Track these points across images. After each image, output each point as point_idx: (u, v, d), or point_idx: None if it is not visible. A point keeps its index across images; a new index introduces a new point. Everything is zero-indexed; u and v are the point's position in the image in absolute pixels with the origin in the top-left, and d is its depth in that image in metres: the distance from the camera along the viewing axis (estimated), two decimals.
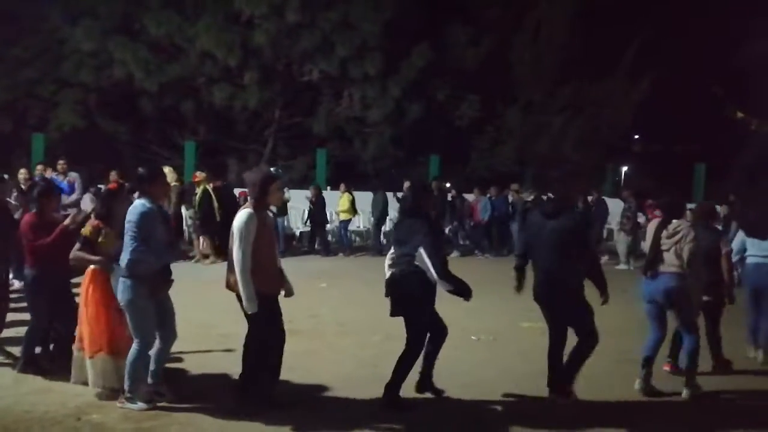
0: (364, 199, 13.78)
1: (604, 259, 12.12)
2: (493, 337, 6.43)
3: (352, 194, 13.34)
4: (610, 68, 20.46)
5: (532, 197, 12.91)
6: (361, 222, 14.60)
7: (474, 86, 19.35)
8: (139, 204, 4.20)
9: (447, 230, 13.37)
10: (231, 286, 4.25)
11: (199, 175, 11.50)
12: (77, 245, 4.47)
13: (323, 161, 16.58)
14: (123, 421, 4.11)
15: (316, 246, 13.28)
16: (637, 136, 28.65)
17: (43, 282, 4.72)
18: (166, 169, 11.02)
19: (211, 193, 11.09)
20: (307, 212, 13.46)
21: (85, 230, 4.50)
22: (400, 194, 13.31)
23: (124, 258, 4.13)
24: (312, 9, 16.06)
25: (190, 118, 17.89)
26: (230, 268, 4.22)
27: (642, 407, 4.69)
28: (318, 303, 7.78)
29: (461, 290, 4.35)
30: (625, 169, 31.51)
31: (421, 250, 4.24)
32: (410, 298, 4.37)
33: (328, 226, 13.84)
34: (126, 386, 4.23)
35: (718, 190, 14.54)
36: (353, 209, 13.37)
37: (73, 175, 10.41)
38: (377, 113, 17.84)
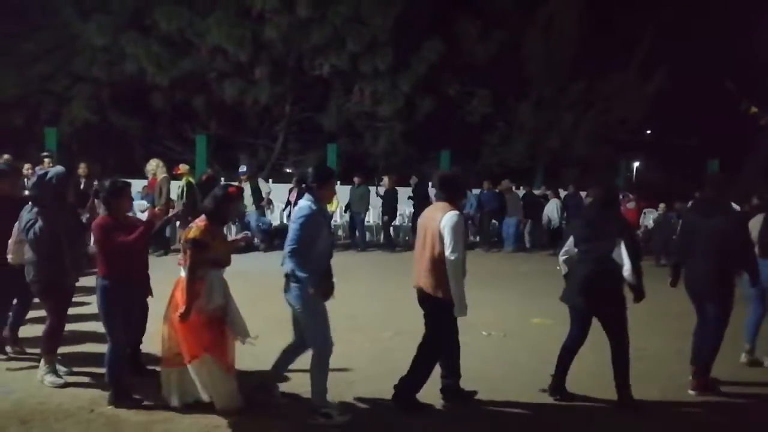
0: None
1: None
2: (504, 333, 6.41)
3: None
4: (621, 63, 20.32)
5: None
6: (372, 217, 14.58)
7: (485, 81, 19.25)
8: (306, 205, 4.02)
9: None
10: (423, 286, 4.22)
11: (182, 167, 11.24)
12: (190, 251, 3.99)
13: (334, 156, 16.57)
14: (136, 413, 4.15)
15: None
16: (649, 131, 28.39)
17: (117, 293, 4.25)
18: (154, 162, 11.11)
19: (194, 185, 10.93)
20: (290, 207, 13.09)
21: (194, 233, 4.04)
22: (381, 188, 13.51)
23: (288, 264, 4.01)
24: (323, 3, 16.04)
25: (201, 112, 17.95)
26: (428, 270, 4.17)
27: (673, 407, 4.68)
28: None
29: (641, 289, 4.47)
30: (636, 164, 31.29)
31: (623, 246, 4.36)
32: (613, 294, 4.42)
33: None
34: (316, 400, 4.11)
35: (733, 186, 14.37)
36: (336, 203, 12.87)
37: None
38: (388, 108, 17.81)
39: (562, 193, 14.62)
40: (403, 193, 13.94)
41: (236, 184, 12.18)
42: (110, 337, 4.26)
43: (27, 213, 4.50)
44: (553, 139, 20.48)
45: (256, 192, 12.17)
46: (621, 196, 13.03)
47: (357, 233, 13.18)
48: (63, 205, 4.56)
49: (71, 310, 4.87)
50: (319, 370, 4.09)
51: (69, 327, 4.97)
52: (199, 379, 4.06)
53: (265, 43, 16.34)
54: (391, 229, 13.71)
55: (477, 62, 19.22)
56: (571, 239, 4.67)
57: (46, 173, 4.65)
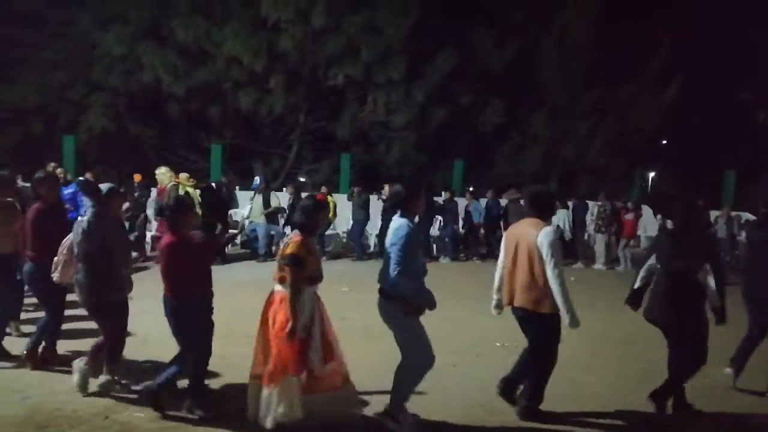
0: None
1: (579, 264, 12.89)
2: (517, 344, 6.35)
3: (333, 199, 12.67)
4: (636, 72, 20.21)
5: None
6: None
7: (499, 90, 19.22)
8: (404, 224, 4.02)
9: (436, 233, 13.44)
10: (523, 304, 4.26)
11: (181, 176, 11.09)
12: (289, 268, 3.89)
13: (347, 166, 16.62)
14: (150, 420, 4.16)
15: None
16: (664, 141, 28.16)
17: (191, 312, 4.21)
18: (163, 169, 11.14)
19: (192, 194, 10.63)
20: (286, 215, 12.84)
21: (292, 249, 3.92)
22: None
23: (388, 281, 4.00)
24: (337, 14, 16.15)
25: (216, 121, 18.10)
26: (527, 287, 4.22)
27: None
28: (341, 307, 7.76)
29: (724, 312, 4.54)
30: (652, 174, 31.02)
31: (709, 268, 4.46)
32: (694, 313, 4.43)
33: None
34: (394, 408, 4.13)
35: (749, 197, 14.24)
36: (334, 214, 12.64)
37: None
38: (401, 118, 17.84)
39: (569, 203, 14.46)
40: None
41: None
42: (190, 351, 4.24)
43: (78, 229, 4.40)
44: (567, 148, 20.37)
45: (268, 204, 12.12)
46: (619, 207, 13.37)
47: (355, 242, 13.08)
48: (112, 221, 4.54)
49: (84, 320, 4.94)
50: (411, 382, 4.14)
51: (83, 335, 5.03)
52: (287, 396, 3.90)
53: (280, 53, 16.47)
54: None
55: (491, 71, 19.20)
56: (653, 255, 4.71)
57: (96, 185, 4.64)
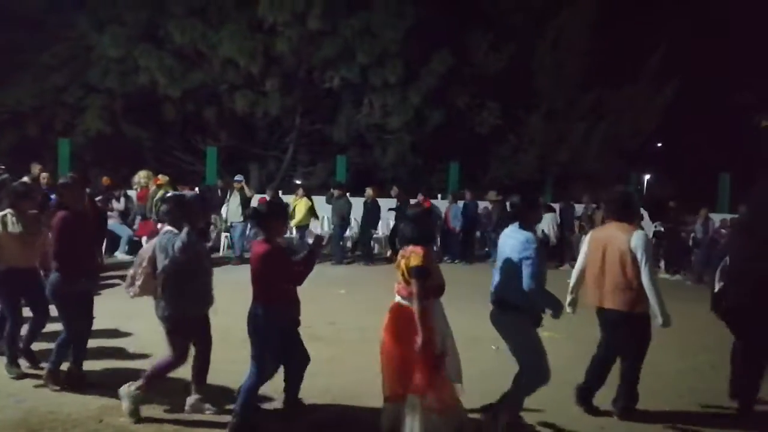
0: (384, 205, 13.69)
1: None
2: (497, 346, 6.36)
3: (311, 199, 12.79)
4: (632, 75, 20.27)
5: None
6: (380, 229, 14.53)
7: (495, 93, 19.26)
8: (530, 236, 4.02)
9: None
10: (616, 306, 4.36)
11: (161, 178, 10.89)
12: (415, 280, 3.77)
13: (343, 168, 16.63)
14: (145, 425, 4.16)
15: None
16: (660, 144, 28.27)
17: (278, 323, 4.08)
18: (143, 173, 11.10)
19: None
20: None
21: (416, 260, 3.79)
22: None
23: (515, 293, 3.98)
24: (334, 16, 16.17)
25: (212, 124, 18.10)
26: (621, 289, 4.32)
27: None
28: (337, 309, 7.79)
29: None
30: (647, 177, 31.12)
31: None
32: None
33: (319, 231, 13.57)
34: (499, 405, 4.17)
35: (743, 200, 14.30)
36: (311, 215, 12.64)
37: None
38: (397, 120, 17.87)
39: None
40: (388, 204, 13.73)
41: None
42: (260, 367, 4.08)
43: (164, 236, 4.18)
44: (562, 151, 20.41)
45: (246, 203, 11.73)
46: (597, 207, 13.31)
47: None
48: (197, 232, 4.26)
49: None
50: (525, 392, 4.17)
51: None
52: (415, 414, 3.76)
53: (276, 55, 16.49)
54: (372, 241, 13.47)
55: (487, 74, 19.24)
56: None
57: (182, 196, 4.44)
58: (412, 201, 13.27)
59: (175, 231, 4.14)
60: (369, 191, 13.11)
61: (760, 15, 20.77)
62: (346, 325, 7.09)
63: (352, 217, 13.11)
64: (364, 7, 16.48)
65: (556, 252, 12.75)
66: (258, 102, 16.86)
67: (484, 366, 5.55)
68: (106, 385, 4.67)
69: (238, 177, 12.26)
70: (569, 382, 4.70)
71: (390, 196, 14.04)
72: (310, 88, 17.77)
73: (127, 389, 4.22)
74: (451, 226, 13.53)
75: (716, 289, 4.87)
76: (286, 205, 4.34)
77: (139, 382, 4.22)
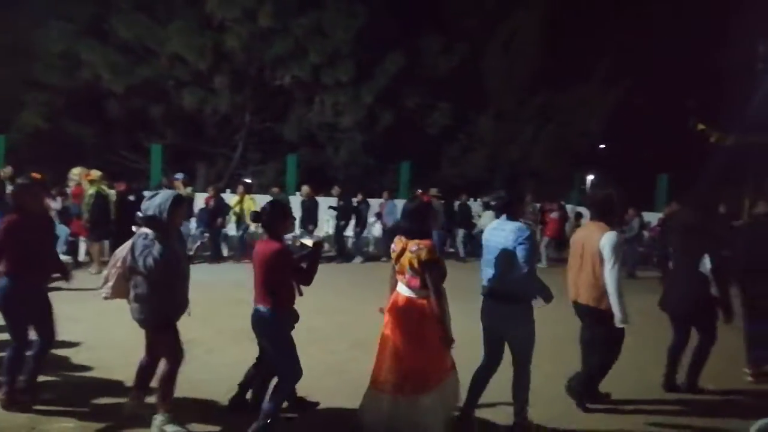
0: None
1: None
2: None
3: (252, 198, 12.60)
4: (579, 78, 20.87)
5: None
6: (330, 227, 14.48)
7: (446, 94, 19.50)
8: (522, 226, 4.10)
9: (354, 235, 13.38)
10: (585, 301, 4.58)
11: (93, 173, 10.32)
12: (430, 273, 3.87)
13: (294, 167, 16.50)
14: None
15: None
16: (602, 146, 29.21)
17: (287, 324, 4.06)
18: (77, 170, 10.75)
19: (107, 195, 10.26)
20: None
21: (427, 255, 3.87)
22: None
23: (511, 284, 4.04)
24: (285, 14, 16.04)
25: (158, 121, 17.66)
26: (589, 285, 4.52)
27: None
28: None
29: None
30: (591, 177, 32.07)
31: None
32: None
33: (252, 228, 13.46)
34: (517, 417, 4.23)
35: (682, 200, 14.96)
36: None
37: None
38: (349, 119, 17.87)
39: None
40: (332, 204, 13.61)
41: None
42: (290, 370, 4.01)
43: (140, 240, 3.92)
44: (511, 151, 20.86)
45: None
46: (545, 207, 13.95)
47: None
48: (174, 231, 4.11)
49: None
50: (528, 385, 4.23)
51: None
52: (432, 406, 3.90)
53: (225, 52, 16.23)
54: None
55: (438, 75, 19.48)
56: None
57: (156, 194, 4.14)
58: (354, 199, 13.28)
59: (150, 235, 3.90)
60: (306, 189, 12.84)
61: (699, 21, 21.69)
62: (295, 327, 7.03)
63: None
64: (315, 6, 16.41)
65: None
66: (206, 99, 16.58)
67: None
68: (53, 401, 4.48)
69: (177, 175, 11.89)
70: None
71: (378, 196, 14.09)
72: (261, 86, 17.58)
73: (155, 424, 4.00)
74: (384, 221, 13.63)
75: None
76: (288, 205, 4.22)
77: (158, 404, 4.03)
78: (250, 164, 19.51)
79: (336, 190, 13.59)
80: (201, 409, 4.50)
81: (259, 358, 4.42)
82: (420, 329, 3.90)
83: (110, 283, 4.02)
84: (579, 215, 15.10)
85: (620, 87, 20.89)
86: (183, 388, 4.32)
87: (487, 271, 4.21)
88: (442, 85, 19.47)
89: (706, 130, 16.18)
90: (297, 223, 13.36)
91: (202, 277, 10.02)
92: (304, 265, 4.06)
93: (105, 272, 4.10)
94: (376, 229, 14.67)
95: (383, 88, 17.98)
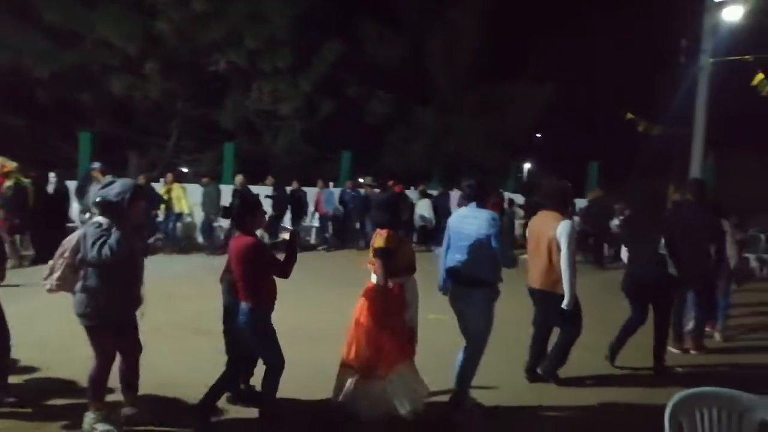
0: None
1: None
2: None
3: (183, 187, 12.33)
4: (516, 71, 21.32)
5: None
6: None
7: (386, 84, 19.54)
8: (492, 215, 4.26)
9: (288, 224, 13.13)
10: (541, 286, 4.83)
11: (8, 165, 9.78)
12: (378, 260, 4.01)
13: (231, 155, 16.10)
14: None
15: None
16: (539, 135, 30.07)
17: (268, 319, 3.97)
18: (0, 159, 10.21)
19: (25, 187, 9.76)
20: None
21: (379, 242, 4.03)
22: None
23: (493, 270, 4.22)
24: None
25: (87, 108, 16.83)
26: (545, 272, 4.75)
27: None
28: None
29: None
30: (527, 166, 33.01)
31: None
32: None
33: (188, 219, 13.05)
34: (460, 396, 4.39)
35: (612, 187, 15.57)
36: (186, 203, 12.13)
37: None
38: (288, 107, 17.60)
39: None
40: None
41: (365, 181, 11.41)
42: (277, 360, 3.94)
43: (93, 229, 3.66)
44: (450, 141, 21.12)
45: None
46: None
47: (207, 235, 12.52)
48: (130, 224, 3.80)
49: None
50: (475, 369, 4.43)
51: None
52: (396, 389, 4.06)
53: (156, 36, 15.60)
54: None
55: (378, 65, 19.45)
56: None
57: (112, 183, 3.86)
58: (288, 188, 13.08)
59: (103, 224, 3.68)
60: (239, 178, 12.43)
61: (631, 14, 22.52)
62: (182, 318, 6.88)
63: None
64: None
65: (435, 235, 13.16)
66: (137, 85, 15.90)
67: None
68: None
69: (95, 164, 11.31)
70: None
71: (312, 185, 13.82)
72: (195, 72, 17.02)
73: (86, 421, 3.84)
74: (323, 210, 13.54)
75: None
76: (258, 198, 4.17)
77: (89, 402, 3.86)
78: (186, 153, 18.93)
79: (270, 179, 13.32)
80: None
81: (229, 355, 4.27)
82: (381, 311, 4.05)
83: (56, 275, 3.77)
84: (511, 202, 15.46)
85: (553, 79, 21.46)
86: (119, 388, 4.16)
87: (456, 257, 4.32)
88: (383, 74, 19.47)
89: (634, 119, 16.84)
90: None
91: None
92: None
93: (50, 263, 3.85)
94: (315, 219, 14.56)
95: (322, 76, 17.78)
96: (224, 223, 12.46)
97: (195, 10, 15.34)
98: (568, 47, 22.30)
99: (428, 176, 20.68)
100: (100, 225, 3.67)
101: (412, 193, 15.46)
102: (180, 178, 12.56)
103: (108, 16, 14.68)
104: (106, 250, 3.55)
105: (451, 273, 4.38)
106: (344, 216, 13.86)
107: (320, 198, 13.60)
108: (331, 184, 14.84)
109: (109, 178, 10.91)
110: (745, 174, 22.39)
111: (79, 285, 3.73)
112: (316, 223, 14.52)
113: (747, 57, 14.36)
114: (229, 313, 4.12)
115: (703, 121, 14.29)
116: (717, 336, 6.89)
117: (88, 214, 10.87)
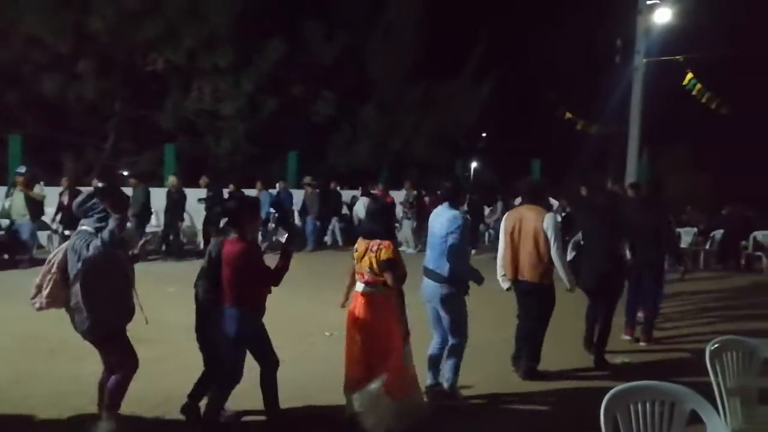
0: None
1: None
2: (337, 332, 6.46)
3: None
4: (456, 69, 21.57)
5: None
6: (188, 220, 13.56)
7: (330, 82, 19.41)
8: (458, 214, 4.44)
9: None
10: (529, 278, 4.95)
11: None
12: (389, 273, 3.90)
13: (172, 157, 15.63)
14: None
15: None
16: (484, 134, 30.60)
17: (259, 322, 3.92)
18: None
19: None
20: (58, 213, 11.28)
21: (387, 254, 3.94)
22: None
23: (447, 266, 4.34)
24: None
25: (15, 109, 16.01)
26: (534, 264, 4.89)
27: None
28: (165, 308, 7.32)
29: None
30: (474, 165, 33.50)
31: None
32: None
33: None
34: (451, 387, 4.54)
35: (554, 184, 15.97)
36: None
37: None
38: (230, 107, 17.27)
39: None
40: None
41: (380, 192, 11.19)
42: (273, 360, 3.91)
43: (78, 240, 3.53)
44: (395, 141, 21.17)
45: (29, 199, 10.28)
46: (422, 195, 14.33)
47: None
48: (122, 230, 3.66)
49: None
50: (460, 359, 4.55)
51: None
52: (388, 401, 3.91)
53: (89, 34, 14.99)
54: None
55: (321, 63, 19.30)
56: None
57: (103, 189, 3.70)
58: (225, 190, 12.68)
59: (91, 230, 3.54)
60: (172, 179, 12.01)
61: (570, 14, 23.16)
62: (173, 324, 6.67)
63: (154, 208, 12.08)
64: None
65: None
66: (70, 85, 15.25)
67: (318, 352, 5.54)
68: None
69: (20, 169, 10.71)
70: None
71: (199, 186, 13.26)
72: (132, 71, 16.46)
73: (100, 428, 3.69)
74: (264, 211, 13.32)
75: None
76: (257, 201, 4.05)
77: (104, 413, 3.68)
78: (124, 155, 18.27)
79: (204, 180, 12.90)
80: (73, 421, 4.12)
81: (207, 363, 4.13)
82: (380, 326, 3.99)
83: (45, 292, 3.58)
84: None
85: (491, 78, 21.82)
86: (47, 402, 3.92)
87: (428, 254, 4.58)
88: (325, 73, 19.34)
89: (573, 118, 17.37)
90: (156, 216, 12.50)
91: None
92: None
93: (37, 280, 3.64)
94: None
95: (265, 75, 17.52)
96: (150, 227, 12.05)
97: (129, 7, 14.81)
98: (506, 44, 22.76)
99: (375, 176, 20.69)
100: (83, 231, 3.58)
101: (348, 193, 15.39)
102: (117, 181, 12.00)
103: (35, 11, 13.99)
104: (92, 250, 3.46)
105: (423, 270, 4.57)
106: (279, 217, 13.57)
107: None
108: (280, 184, 14.50)
109: (40, 187, 10.41)
110: (677, 170, 23.42)
111: (73, 301, 3.56)
112: None
113: (678, 57, 15.01)
114: (206, 317, 3.99)
115: (638, 119, 14.80)
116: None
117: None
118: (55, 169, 15.90)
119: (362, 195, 14.28)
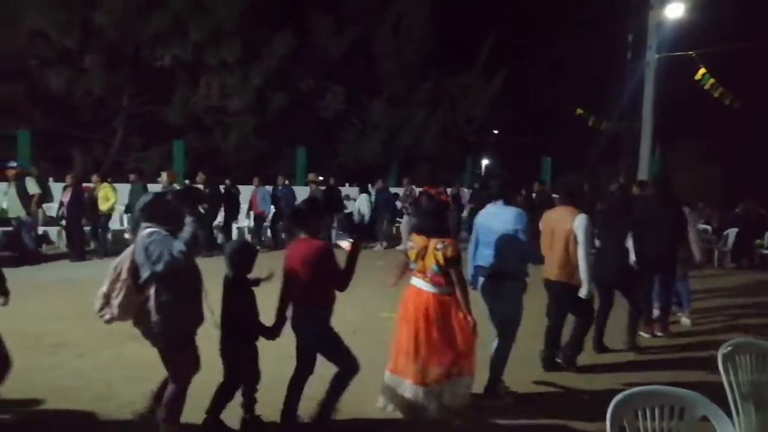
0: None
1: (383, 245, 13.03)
2: (354, 329, 6.37)
3: (112, 186, 11.64)
4: (466, 64, 21.40)
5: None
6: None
7: (339, 77, 19.29)
8: (521, 210, 4.49)
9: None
10: (557, 277, 4.98)
11: None
12: (455, 270, 4.01)
13: (180, 152, 15.60)
14: None
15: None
16: (496, 131, 30.39)
17: (330, 320, 3.89)
18: None
19: None
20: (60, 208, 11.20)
21: (452, 251, 4.02)
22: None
23: (510, 263, 4.37)
24: None
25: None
26: (562, 264, 4.93)
27: None
28: None
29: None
30: (485, 161, 33.34)
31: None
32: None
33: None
34: (492, 385, 4.50)
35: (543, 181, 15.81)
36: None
37: None
38: (238, 102, 17.20)
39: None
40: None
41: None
42: (350, 360, 3.86)
43: (155, 237, 3.33)
44: (404, 136, 21.05)
45: (24, 194, 10.14)
46: (423, 191, 14.09)
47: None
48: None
49: None
50: (506, 359, 4.55)
51: None
52: (452, 391, 4.13)
53: (96, 29, 14.98)
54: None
55: (330, 58, 19.19)
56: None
57: (165, 193, 3.58)
58: (221, 186, 12.56)
59: (162, 231, 3.37)
60: (164, 176, 11.66)
61: (577, 12, 22.94)
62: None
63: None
64: None
65: (370, 231, 13.00)
66: (77, 80, 15.25)
67: None
68: None
69: (12, 163, 10.49)
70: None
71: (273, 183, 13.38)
72: (139, 66, 16.43)
73: None
74: (258, 210, 13.20)
75: None
76: (319, 201, 4.11)
77: (163, 425, 3.54)
78: (133, 150, 18.30)
79: (200, 176, 12.81)
80: (72, 417, 4.07)
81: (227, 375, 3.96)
82: (448, 324, 4.07)
83: (117, 301, 3.36)
84: (457, 197, 15.52)
85: (502, 73, 21.65)
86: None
87: (485, 253, 4.52)
88: (334, 68, 19.24)
89: (584, 115, 17.16)
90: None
91: (70, 274, 9.27)
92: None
93: (104, 288, 3.42)
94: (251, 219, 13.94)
95: (273, 70, 17.42)
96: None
97: (136, 1, 14.78)
98: (517, 40, 22.55)
99: (386, 171, 20.61)
100: (157, 233, 3.37)
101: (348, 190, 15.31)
102: (104, 178, 11.78)
103: (40, 6, 13.96)
104: (174, 262, 3.26)
105: (481, 268, 4.57)
106: (275, 215, 13.32)
107: (255, 197, 13.13)
108: (279, 180, 14.38)
109: (32, 182, 10.29)
110: (688, 166, 23.14)
111: (154, 303, 3.37)
112: (251, 223, 13.87)
113: (690, 53, 14.78)
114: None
115: (651, 115, 14.62)
116: (685, 320, 7.18)
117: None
118: (65, 164, 15.97)
119: (360, 192, 14.17)
